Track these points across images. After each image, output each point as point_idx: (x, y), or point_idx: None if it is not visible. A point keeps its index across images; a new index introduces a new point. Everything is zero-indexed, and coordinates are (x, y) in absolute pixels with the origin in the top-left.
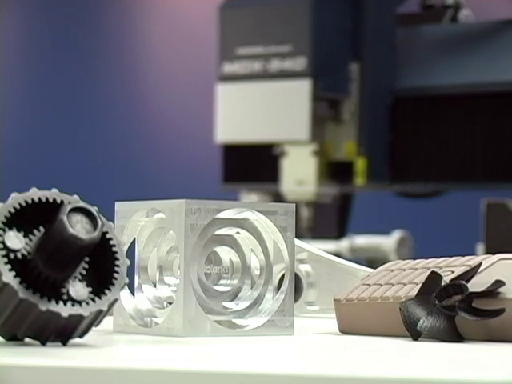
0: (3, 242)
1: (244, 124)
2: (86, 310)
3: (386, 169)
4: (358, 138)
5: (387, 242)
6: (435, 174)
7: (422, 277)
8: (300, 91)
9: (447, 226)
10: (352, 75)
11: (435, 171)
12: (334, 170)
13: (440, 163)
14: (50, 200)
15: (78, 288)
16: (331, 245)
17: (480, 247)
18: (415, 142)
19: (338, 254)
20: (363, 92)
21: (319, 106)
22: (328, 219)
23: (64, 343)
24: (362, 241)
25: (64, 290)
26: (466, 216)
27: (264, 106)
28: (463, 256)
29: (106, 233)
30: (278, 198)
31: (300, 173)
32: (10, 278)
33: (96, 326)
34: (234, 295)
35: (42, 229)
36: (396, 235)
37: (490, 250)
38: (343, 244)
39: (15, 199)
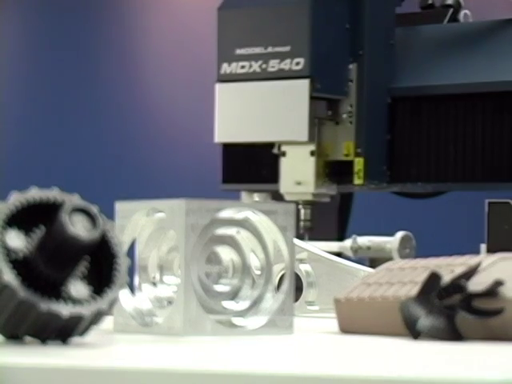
0: (4, 242)
1: (242, 124)
2: (86, 309)
3: (384, 169)
4: (357, 138)
5: (390, 242)
6: (435, 174)
7: (422, 276)
8: (298, 92)
9: (449, 226)
10: (350, 75)
11: (435, 171)
12: (333, 171)
13: (439, 163)
14: (51, 199)
15: (78, 287)
16: (334, 245)
17: (483, 247)
18: (414, 142)
19: (340, 254)
20: (362, 92)
21: (318, 106)
22: (327, 220)
23: (65, 342)
24: (364, 241)
25: (64, 290)
26: (467, 216)
27: (263, 107)
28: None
29: (107, 232)
30: (278, 198)
31: (299, 173)
32: (11, 278)
33: (96, 325)
34: (234, 295)
35: (42, 228)
36: (399, 235)
37: (493, 250)
38: (346, 244)
39: (16, 198)
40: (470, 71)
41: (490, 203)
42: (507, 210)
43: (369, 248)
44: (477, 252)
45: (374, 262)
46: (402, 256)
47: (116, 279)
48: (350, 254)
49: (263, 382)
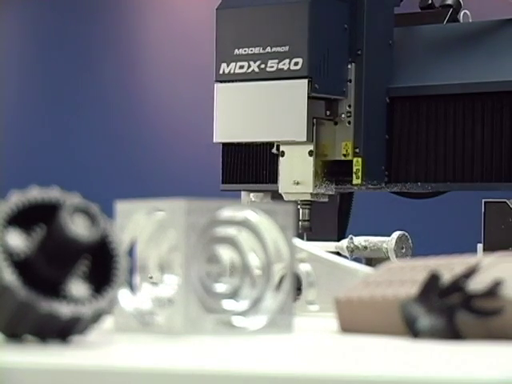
0: (5, 241)
1: (241, 124)
2: (86, 309)
3: (383, 169)
4: (355, 138)
5: (386, 242)
6: (434, 174)
7: (422, 276)
8: (297, 92)
9: (448, 226)
10: (349, 75)
11: (434, 171)
12: (331, 171)
13: (438, 163)
14: (52, 199)
15: (78, 286)
16: (330, 245)
17: (481, 247)
18: (413, 142)
19: (338, 254)
20: (360, 92)
21: (316, 106)
22: (327, 220)
23: (65, 341)
24: (360, 241)
25: (65, 289)
26: (465, 216)
27: (261, 107)
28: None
29: (107, 232)
30: (278, 198)
31: (297, 173)
32: (11, 278)
33: (97, 324)
34: (234, 294)
35: (42, 227)
36: (395, 235)
37: (490, 250)
38: (342, 244)
39: (16, 198)
40: (470, 71)
41: (486, 203)
42: (504, 210)
43: (365, 248)
44: (474, 252)
45: (370, 262)
46: (399, 256)
47: (116, 278)
48: (346, 254)
49: (263, 382)
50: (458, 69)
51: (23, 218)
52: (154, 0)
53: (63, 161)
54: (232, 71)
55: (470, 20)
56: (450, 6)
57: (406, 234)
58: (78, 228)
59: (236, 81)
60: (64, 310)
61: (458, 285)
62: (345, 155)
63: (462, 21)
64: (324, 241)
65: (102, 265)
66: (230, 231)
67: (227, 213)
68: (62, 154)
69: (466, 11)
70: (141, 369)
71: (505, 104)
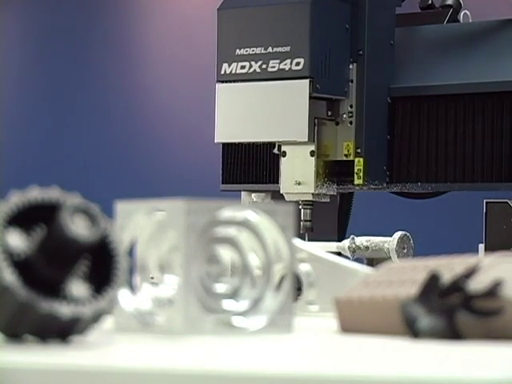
0: (5, 242)
1: (243, 124)
2: (86, 309)
3: (385, 169)
4: (357, 138)
5: (388, 242)
6: (435, 175)
7: (423, 276)
8: (298, 92)
9: (449, 226)
10: (350, 75)
11: (435, 171)
12: (333, 171)
13: (439, 163)
14: (52, 199)
15: (78, 287)
16: (332, 245)
17: (482, 248)
18: (414, 142)
19: (338, 254)
20: (362, 92)
21: (317, 106)
22: (327, 220)
23: (65, 341)
24: (362, 241)
25: (65, 289)
26: (466, 216)
27: (263, 107)
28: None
29: (107, 232)
30: (278, 198)
31: (299, 173)
32: (11, 278)
33: (97, 324)
34: (234, 294)
35: (43, 227)
36: (397, 235)
37: (491, 250)
38: (344, 244)
39: (16, 198)
40: (470, 71)
41: (487, 203)
42: (505, 210)
43: (367, 248)
44: (475, 252)
45: (371, 262)
46: (400, 256)
47: (116, 278)
48: (348, 254)
49: (263, 382)
50: (458, 69)
51: (23, 218)
52: (155, 0)
53: (63, 161)
54: (233, 71)
55: (470, 20)
56: (450, 6)
57: (408, 234)
58: (78, 228)
59: (237, 81)
60: (64, 310)
61: (458, 285)
62: (346, 155)
63: (462, 21)
64: (324, 241)
65: (102, 265)
66: (230, 231)
67: (227, 213)
68: (62, 154)
69: (466, 11)
70: (141, 369)
71: (505, 104)
